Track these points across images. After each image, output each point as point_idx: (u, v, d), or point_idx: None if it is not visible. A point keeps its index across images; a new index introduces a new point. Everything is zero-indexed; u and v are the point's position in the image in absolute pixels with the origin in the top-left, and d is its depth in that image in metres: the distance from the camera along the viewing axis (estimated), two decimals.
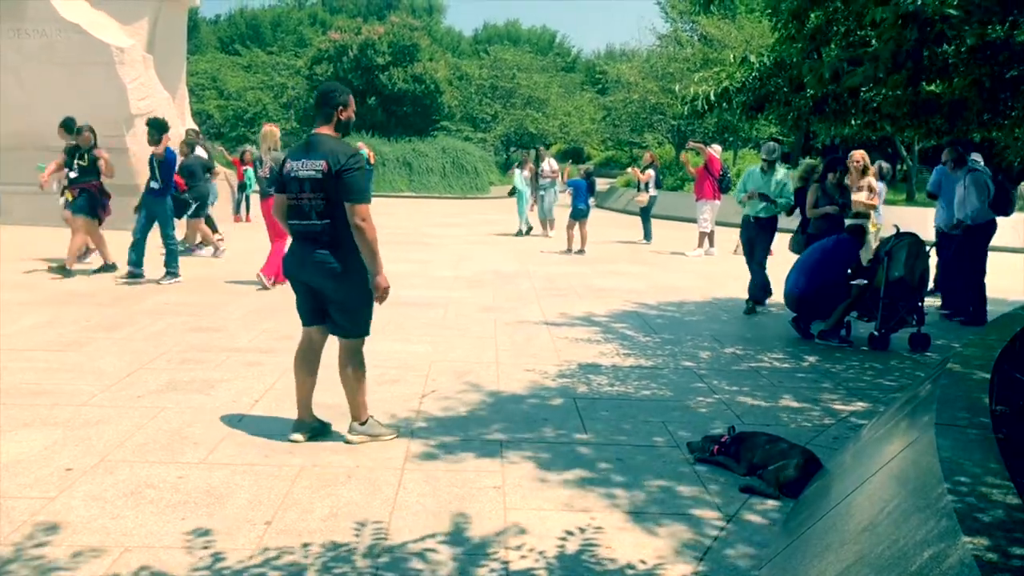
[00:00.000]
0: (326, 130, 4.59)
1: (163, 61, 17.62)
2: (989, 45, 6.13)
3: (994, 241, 9.37)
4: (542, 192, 17.87)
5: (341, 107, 4.60)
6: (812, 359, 7.23)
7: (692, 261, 14.58)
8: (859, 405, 5.82)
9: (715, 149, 15.88)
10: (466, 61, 53.84)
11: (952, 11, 5.11)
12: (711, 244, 15.28)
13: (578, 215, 14.96)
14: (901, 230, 7.97)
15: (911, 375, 6.75)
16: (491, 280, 11.09)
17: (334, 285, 4.57)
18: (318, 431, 4.84)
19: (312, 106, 29.40)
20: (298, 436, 4.74)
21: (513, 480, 4.24)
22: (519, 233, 18.10)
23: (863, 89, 6.89)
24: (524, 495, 4.06)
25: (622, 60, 47.99)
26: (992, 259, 9.59)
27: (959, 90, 6.63)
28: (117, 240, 11.50)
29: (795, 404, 5.81)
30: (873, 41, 6.15)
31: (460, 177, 36.65)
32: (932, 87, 7.03)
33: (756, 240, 9.48)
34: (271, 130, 10.42)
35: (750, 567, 3.37)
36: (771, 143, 9.67)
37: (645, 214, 17.18)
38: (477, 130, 45.89)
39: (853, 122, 7.80)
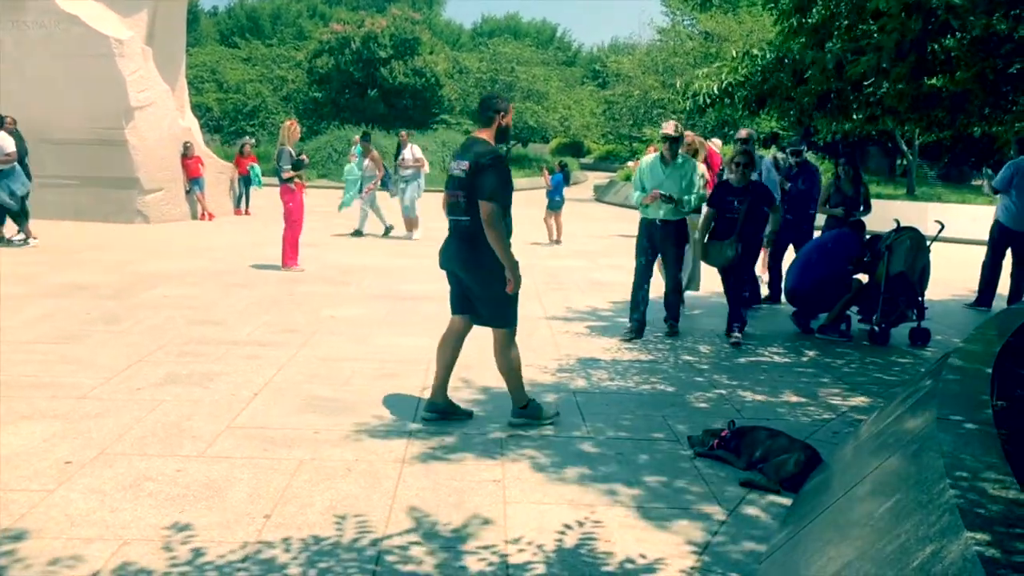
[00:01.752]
0: (482, 133, 4.92)
1: (162, 53, 17.58)
2: (993, 37, 6.11)
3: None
4: (403, 185, 15.30)
5: (501, 113, 4.91)
6: (812, 354, 7.22)
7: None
8: (859, 400, 5.82)
9: (715, 143, 15.81)
10: (466, 54, 53.74)
11: (957, 1, 5.09)
12: None
13: (555, 207, 15.36)
14: (902, 224, 7.96)
15: (912, 370, 6.74)
16: None
17: (474, 278, 4.88)
18: (448, 413, 5.09)
19: (311, 99, 29.32)
20: (428, 415, 5.05)
21: (513, 474, 4.24)
22: (357, 232, 15.31)
23: (865, 83, 6.87)
24: (524, 489, 4.05)
25: (623, 53, 47.88)
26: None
27: (962, 83, 6.61)
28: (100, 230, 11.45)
29: (795, 399, 5.81)
30: (876, 34, 6.13)
31: None
32: (934, 81, 7.00)
33: (664, 249, 7.59)
34: (286, 125, 11.21)
35: (750, 561, 3.37)
36: (673, 121, 7.66)
37: None
38: (476, 124, 45.80)
39: (855, 116, 7.78)
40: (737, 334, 7.49)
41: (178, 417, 4.93)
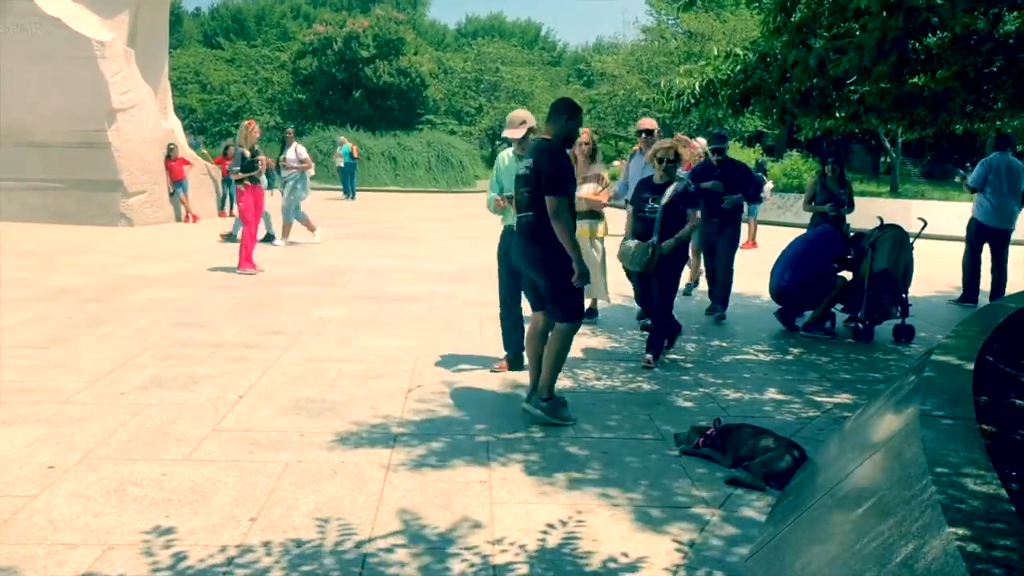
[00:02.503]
0: (547, 134, 5.06)
1: (145, 55, 17.49)
2: (974, 35, 6.16)
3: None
4: (282, 187, 14.06)
5: (566, 116, 5.00)
6: (797, 351, 7.25)
7: None
8: (844, 397, 5.85)
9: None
10: (450, 54, 53.71)
11: (938, 0, 5.13)
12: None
13: None
14: (885, 222, 8.01)
15: (895, 367, 6.78)
16: (477, 274, 11.06)
17: (537, 272, 5.09)
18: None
19: (295, 100, 29.18)
20: (528, 406, 5.15)
21: (499, 474, 4.24)
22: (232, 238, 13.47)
23: (848, 82, 6.90)
24: (510, 489, 4.05)
25: (608, 53, 47.98)
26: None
27: (944, 81, 6.65)
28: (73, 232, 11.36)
29: (780, 396, 5.83)
30: (858, 32, 6.16)
31: (446, 171, 36.63)
32: (915, 79, 7.05)
33: (519, 264, 5.58)
34: (244, 125, 11.11)
35: (736, 559, 3.38)
36: (519, 111, 6.12)
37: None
38: (462, 123, 45.84)
39: (837, 114, 7.82)
40: (650, 356, 6.56)
41: (163, 420, 4.91)
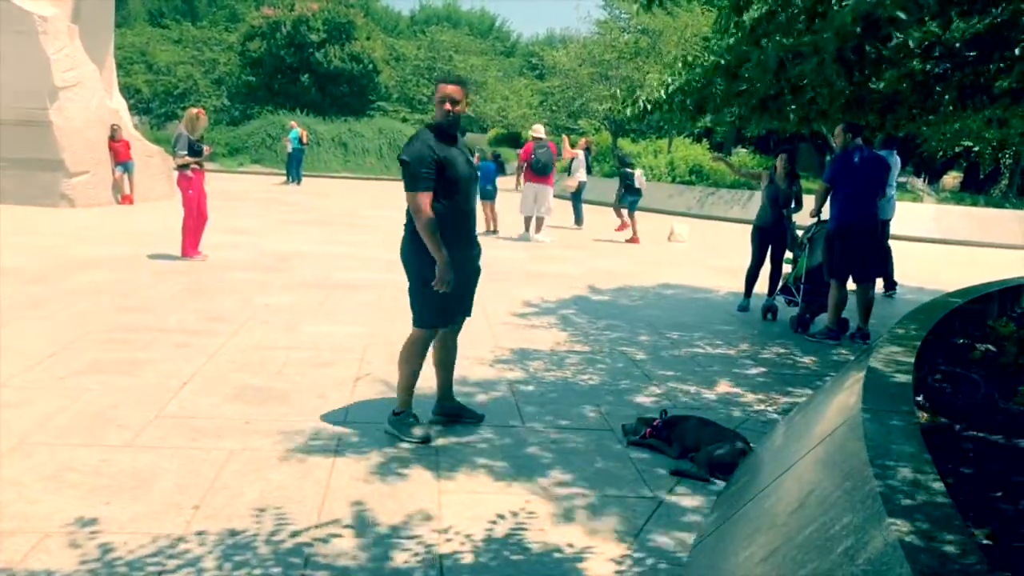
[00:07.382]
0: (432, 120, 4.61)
1: (90, 31, 17.04)
2: (924, 41, 6.28)
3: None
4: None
5: (436, 92, 4.58)
6: (744, 346, 7.35)
7: (624, 247, 14.70)
8: (788, 390, 5.94)
9: (537, 130, 15.54)
10: (403, 41, 53.33)
11: (899, 13, 5.24)
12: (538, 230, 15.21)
13: (486, 196, 15.23)
14: (823, 218, 8.13)
15: (839, 361, 6.91)
16: None
17: (405, 270, 4.62)
18: (456, 415, 4.92)
19: (244, 83, 28.52)
20: (435, 418, 4.88)
21: (447, 464, 4.23)
22: None
23: (803, 82, 6.96)
24: (458, 479, 4.04)
25: (560, 45, 48.09)
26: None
27: (893, 83, 6.77)
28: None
29: (727, 389, 5.91)
30: (814, 35, 6.22)
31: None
32: (869, 83, 7.15)
33: None
34: (193, 113, 10.68)
35: (681, 549, 3.41)
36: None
37: (576, 198, 17.27)
38: (414, 111, 45.59)
39: (790, 117, 7.89)
40: None
41: (103, 406, 4.80)
